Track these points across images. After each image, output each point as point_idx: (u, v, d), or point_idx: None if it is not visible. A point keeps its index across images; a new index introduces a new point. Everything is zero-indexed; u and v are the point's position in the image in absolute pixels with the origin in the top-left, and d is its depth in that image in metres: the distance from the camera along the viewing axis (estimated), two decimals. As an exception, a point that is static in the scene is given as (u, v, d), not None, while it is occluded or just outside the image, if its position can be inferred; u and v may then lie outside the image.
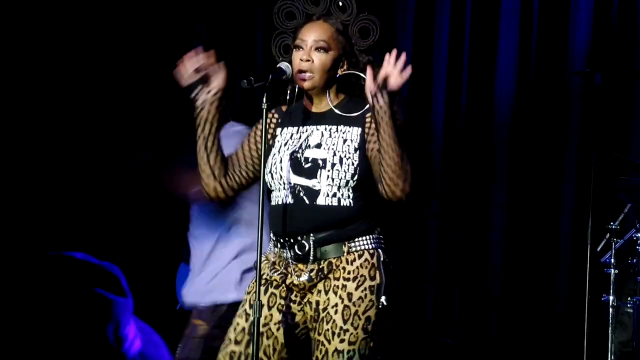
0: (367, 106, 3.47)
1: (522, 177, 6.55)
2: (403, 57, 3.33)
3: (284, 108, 3.64)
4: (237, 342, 3.52)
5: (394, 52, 3.32)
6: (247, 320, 3.51)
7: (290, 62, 3.55)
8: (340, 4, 3.54)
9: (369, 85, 3.36)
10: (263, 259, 3.59)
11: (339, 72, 3.55)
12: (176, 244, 5.36)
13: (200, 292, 4.48)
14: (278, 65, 3.51)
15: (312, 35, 3.51)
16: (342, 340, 3.42)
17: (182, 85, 3.50)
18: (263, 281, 3.52)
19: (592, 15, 6.43)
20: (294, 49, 3.53)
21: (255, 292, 3.42)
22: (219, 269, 4.42)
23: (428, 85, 6.69)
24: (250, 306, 3.50)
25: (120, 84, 6.58)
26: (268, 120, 3.60)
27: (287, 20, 3.60)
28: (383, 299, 3.46)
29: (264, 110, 3.44)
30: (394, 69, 3.32)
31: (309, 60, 3.49)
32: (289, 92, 3.56)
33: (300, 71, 3.50)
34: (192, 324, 4.51)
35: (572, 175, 6.48)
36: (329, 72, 3.52)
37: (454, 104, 6.64)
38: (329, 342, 3.42)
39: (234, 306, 4.36)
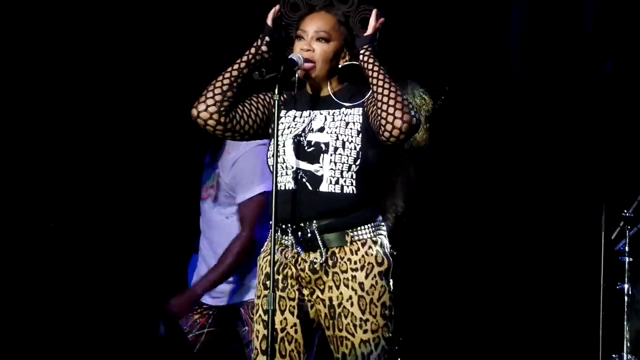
0: (365, 87, 3.52)
1: (534, 164, 6.53)
2: (375, 11, 3.55)
3: (284, 94, 3.64)
4: (264, 352, 3.52)
5: (373, 12, 3.55)
6: (265, 327, 3.50)
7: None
8: None
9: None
10: (265, 249, 3.61)
11: (341, 62, 3.57)
12: (189, 233, 5.37)
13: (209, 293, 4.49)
14: (290, 56, 3.51)
15: (314, 25, 3.54)
16: (365, 331, 3.44)
17: (267, 20, 3.59)
18: (269, 283, 3.51)
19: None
20: (296, 39, 3.57)
21: (269, 292, 3.41)
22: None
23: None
24: (265, 312, 3.51)
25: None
26: (269, 105, 3.62)
27: (291, 13, 3.61)
28: (391, 282, 3.50)
29: (276, 101, 3.45)
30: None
31: (309, 50, 3.52)
32: (293, 79, 3.55)
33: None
34: (192, 318, 4.53)
35: (586, 163, 6.46)
36: (330, 62, 3.54)
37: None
38: (353, 335, 3.45)
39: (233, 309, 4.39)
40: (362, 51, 3.49)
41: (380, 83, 3.42)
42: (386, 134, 3.37)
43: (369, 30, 3.51)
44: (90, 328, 6.21)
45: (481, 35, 6.63)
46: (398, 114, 3.35)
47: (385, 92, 3.39)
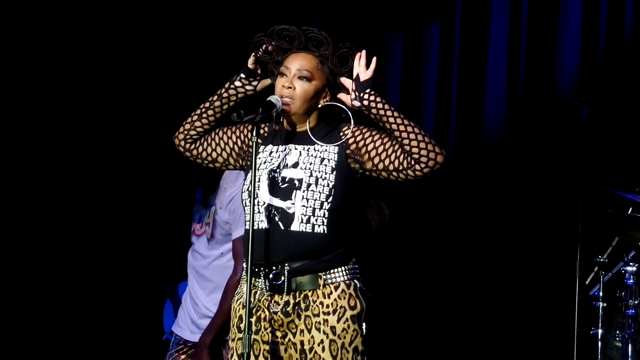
0: (341, 125, 3.54)
1: (510, 211, 6.55)
2: (364, 52, 3.53)
3: (266, 127, 3.67)
4: None
5: (363, 53, 3.54)
6: None
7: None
8: (315, 41, 3.57)
9: (350, 95, 3.52)
10: (238, 292, 3.60)
11: (321, 102, 3.58)
12: (164, 276, 5.33)
13: (190, 328, 4.45)
14: (268, 99, 3.51)
15: (297, 64, 3.55)
16: None
17: (254, 53, 3.63)
18: (242, 326, 3.49)
19: (579, 48, 6.48)
20: (278, 75, 3.57)
21: (244, 334, 3.39)
22: (211, 306, 4.37)
23: (416, 118, 6.69)
24: (240, 356, 3.48)
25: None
26: (250, 136, 3.63)
27: (265, 54, 3.63)
28: (364, 326, 3.46)
29: (254, 143, 3.45)
30: (359, 67, 3.52)
31: (290, 88, 3.53)
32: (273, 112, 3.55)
33: (282, 97, 3.54)
34: (176, 358, 4.48)
35: (560, 209, 6.49)
36: (310, 101, 3.55)
37: (443, 135, 6.66)
38: None
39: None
40: (366, 96, 3.50)
41: (399, 121, 3.46)
42: (419, 166, 3.41)
43: (369, 73, 3.52)
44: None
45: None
46: (430, 147, 3.42)
47: (410, 129, 3.44)
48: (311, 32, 3.57)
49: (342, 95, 3.57)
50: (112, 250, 6.55)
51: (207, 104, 3.65)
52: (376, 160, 3.48)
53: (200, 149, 3.66)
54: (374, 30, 6.62)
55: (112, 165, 6.56)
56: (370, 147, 3.49)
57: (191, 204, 4.61)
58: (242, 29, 6.77)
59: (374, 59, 3.54)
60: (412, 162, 3.42)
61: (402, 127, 3.45)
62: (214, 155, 3.66)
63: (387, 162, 3.47)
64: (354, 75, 3.53)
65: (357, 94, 3.50)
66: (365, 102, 3.49)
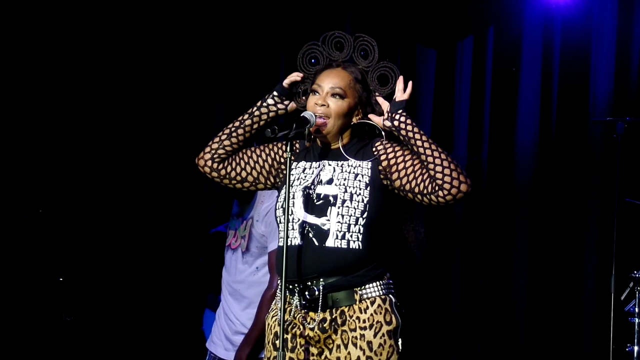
0: (374, 141, 3.55)
1: (545, 226, 6.53)
2: (401, 78, 3.56)
3: (297, 144, 3.68)
4: None
5: (400, 79, 3.57)
6: None
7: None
8: (363, 51, 3.59)
9: (384, 115, 3.53)
10: (273, 308, 3.60)
11: (354, 120, 3.59)
12: (202, 288, 5.35)
13: (224, 345, 4.45)
14: (302, 115, 3.53)
15: (330, 81, 3.56)
16: None
17: (284, 81, 3.65)
18: (278, 343, 3.49)
19: (613, 64, 6.45)
20: (311, 93, 3.58)
21: (279, 352, 3.39)
22: (245, 322, 4.37)
23: (449, 135, 6.69)
24: None
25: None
26: (281, 153, 3.65)
27: (310, 66, 3.64)
28: (400, 342, 3.47)
29: (288, 159, 3.46)
30: (397, 90, 3.55)
31: (324, 105, 3.54)
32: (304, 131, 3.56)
33: (316, 114, 3.55)
34: None
35: (595, 224, 6.45)
36: (343, 118, 3.56)
37: (477, 150, 6.65)
38: None
39: None
40: (397, 117, 3.52)
41: (427, 145, 3.46)
42: (442, 192, 3.40)
43: (405, 95, 3.54)
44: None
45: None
46: (455, 175, 3.41)
47: (436, 154, 3.44)
48: (363, 39, 3.60)
49: (372, 116, 3.58)
50: (154, 262, 6.60)
51: (237, 123, 3.64)
52: (404, 180, 3.48)
53: (229, 168, 3.63)
54: (407, 46, 6.63)
55: (155, 179, 6.61)
56: (400, 166, 3.49)
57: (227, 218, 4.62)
58: (275, 43, 6.82)
59: (410, 83, 3.55)
60: (436, 188, 3.41)
61: (428, 152, 3.44)
62: (244, 174, 3.63)
63: (413, 183, 3.46)
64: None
65: (389, 113, 3.51)
66: (396, 123, 3.50)
